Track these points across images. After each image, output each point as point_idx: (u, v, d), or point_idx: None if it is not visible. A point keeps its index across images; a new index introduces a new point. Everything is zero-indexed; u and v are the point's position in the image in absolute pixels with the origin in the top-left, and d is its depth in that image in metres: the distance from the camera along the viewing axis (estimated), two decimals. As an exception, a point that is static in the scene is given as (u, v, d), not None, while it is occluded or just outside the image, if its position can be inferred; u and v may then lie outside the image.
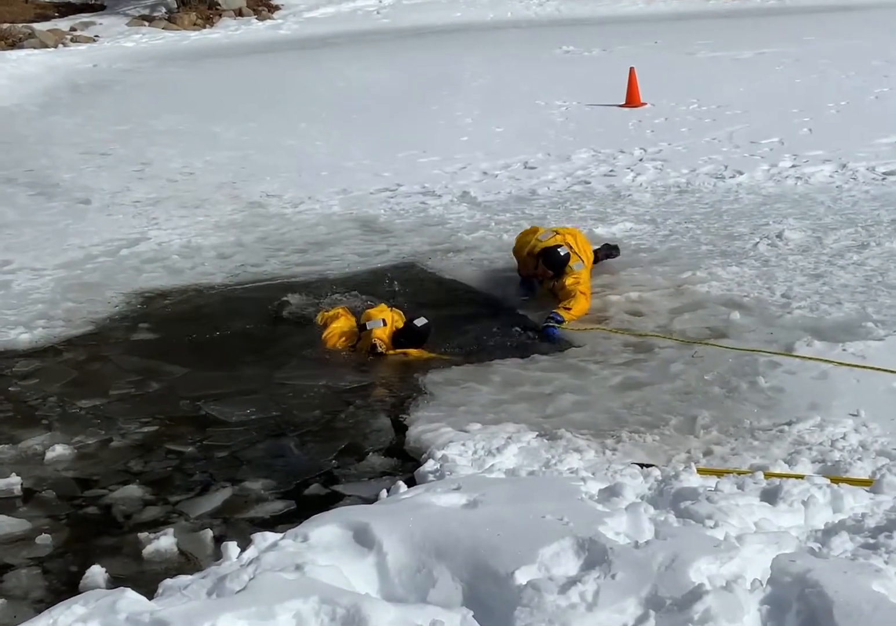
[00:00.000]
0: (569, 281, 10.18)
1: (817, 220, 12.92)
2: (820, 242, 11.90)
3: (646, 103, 22.37)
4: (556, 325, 9.62)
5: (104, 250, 13.36)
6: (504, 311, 10.47)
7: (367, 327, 9.42)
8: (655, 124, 20.40)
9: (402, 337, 9.34)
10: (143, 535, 6.32)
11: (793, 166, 16.15)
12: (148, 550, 6.17)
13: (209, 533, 6.33)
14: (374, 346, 9.23)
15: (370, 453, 7.35)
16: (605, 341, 9.33)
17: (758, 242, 12.00)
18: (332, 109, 24.22)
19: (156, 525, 6.50)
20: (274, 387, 8.77)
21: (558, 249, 10.39)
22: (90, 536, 6.47)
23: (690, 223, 13.32)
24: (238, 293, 11.58)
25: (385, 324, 9.45)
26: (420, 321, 9.37)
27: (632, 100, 22.46)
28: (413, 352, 9.27)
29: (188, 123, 23.28)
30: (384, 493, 6.26)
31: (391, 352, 9.27)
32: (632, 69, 22.50)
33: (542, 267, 10.47)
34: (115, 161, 19.64)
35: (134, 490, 7.01)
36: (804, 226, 12.60)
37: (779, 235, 12.15)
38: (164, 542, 6.22)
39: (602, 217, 13.96)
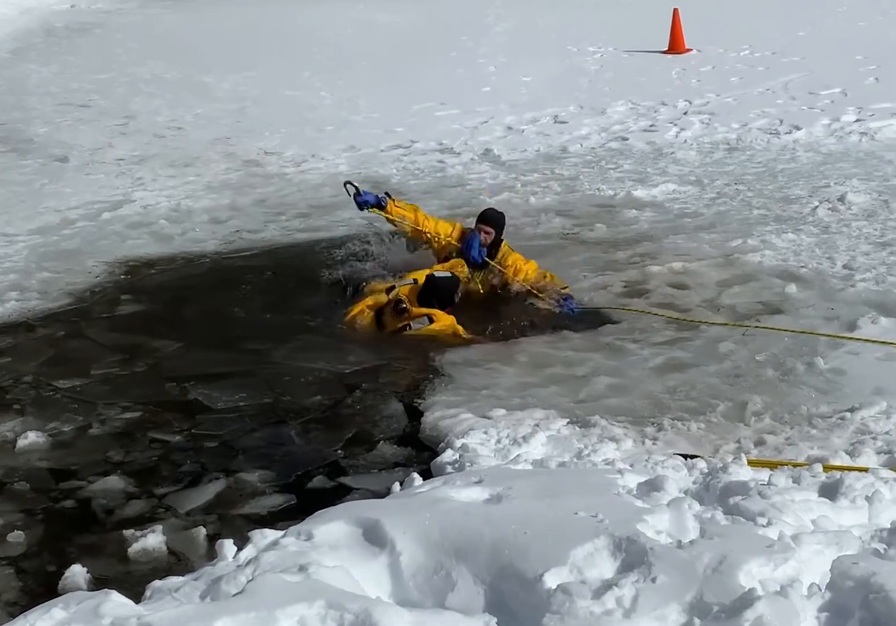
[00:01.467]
0: (517, 262, 10.06)
1: (884, 181, 12.86)
2: (887, 205, 11.85)
3: (691, 49, 22.26)
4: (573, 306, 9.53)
5: (83, 214, 13.40)
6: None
7: (395, 287, 9.44)
8: (702, 73, 20.31)
9: (427, 295, 9.35)
10: (128, 532, 6.34)
11: (857, 121, 16.06)
12: (134, 548, 6.20)
13: (202, 530, 6.35)
14: (399, 302, 9.18)
15: (381, 442, 7.36)
16: (645, 316, 9.31)
17: (817, 206, 11.95)
18: (339, 55, 24.19)
19: (142, 521, 6.52)
20: (273, 368, 8.79)
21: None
22: (69, 533, 6.50)
23: (741, 185, 13.28)
24: (233, 263, 11.60)
25: (416, 283, 9.47)
26: (442, 274, 9.44)
27: (675, 45, 22.35)
28: (439, 317, 9.21)
29: (177, 71, 23.29)
30: (397, 486, 6.27)
31: (415, 310, 9.21)
32: (675, 10, 22.36)
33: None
34: (96, 114, 19.66)
35: (115, 482, 7.02)
36: (869, 188, 12.55)
37: (841, 199, 12.09)
38: (152, 540, 6.24)
39: (641, 178, 13.92)
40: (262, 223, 12.93)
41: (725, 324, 8.95)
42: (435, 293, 9.35)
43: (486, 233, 10.02)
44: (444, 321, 9.23)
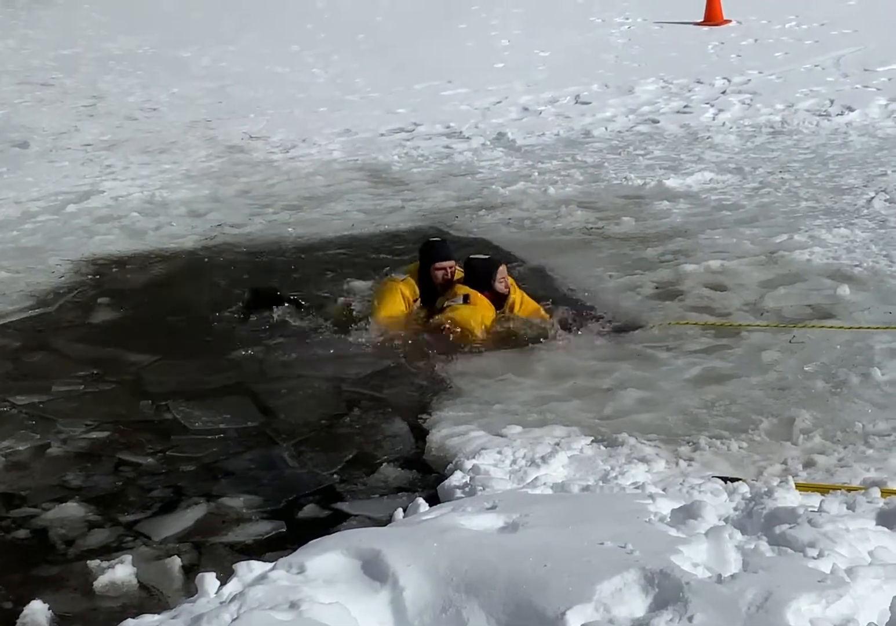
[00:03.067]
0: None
1: (949, 169, 12.87)
2: (952, 196, 11.86)
3: (730, 20, 22.27)
4: None
5: (46, 206, 13.43)
6: (552, 283, 10.45)
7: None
8: (742, 47, 20.32)
9: (466, 278, 9.46)
10: (93, 563, 6.33)
11: (918, 100, 16.07)
12: (101, 581, 6.19)
13: (176, 561, 6.34)
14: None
15: (382, 464, 7.35)
16: (677, 320, 9.31)
17: (872, 198, 11.95)
18: (333, 27, 24.23)
19: (108, 551, 6.51)
20: (261, 382, 8.79)
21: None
22: (25, 565, 6.49)
23: (787, 173, 13.28)
24: (214, 261, 11.61)
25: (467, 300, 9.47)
26: (479, 255, 9.65)
27: (712, 16, 22.36)
28: (477, 300, 9.24)
29: (150, 46, 23.36)
30: (400, 513, 6.26)
31: (457, 288, 9.34)
32: (713, -23, 22.41)
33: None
34: (59, 94, 19.71)
35: (74, 509, 6.99)
36: (932, 177, 12.55)
37: (900, 189, 12.11)
38: (121, 572, 6.23)
39: (674, 165, 13.93)
40: (246, 217, 12.95)
41: (775, 326, 8.95)
42: (471, 275, 9.39)
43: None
44: (481, 305, 9.22)
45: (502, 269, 9.46)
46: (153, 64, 21.72)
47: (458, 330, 9.13)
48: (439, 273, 9.52)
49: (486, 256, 9.68)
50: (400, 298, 9.47)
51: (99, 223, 12.82)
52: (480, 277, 9.39)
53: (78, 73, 21.27)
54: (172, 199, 13.65)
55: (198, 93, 19.32)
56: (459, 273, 9.61)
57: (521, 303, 9.49)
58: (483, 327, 9.21)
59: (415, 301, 9.52)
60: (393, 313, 9.44)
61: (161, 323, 10.07)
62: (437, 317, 9.31)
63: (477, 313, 9.21)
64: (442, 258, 9.55)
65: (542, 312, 9.52)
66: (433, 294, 9.52)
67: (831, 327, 8.79)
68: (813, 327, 8.84)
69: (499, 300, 9.37)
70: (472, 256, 9.62)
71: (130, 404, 8.51)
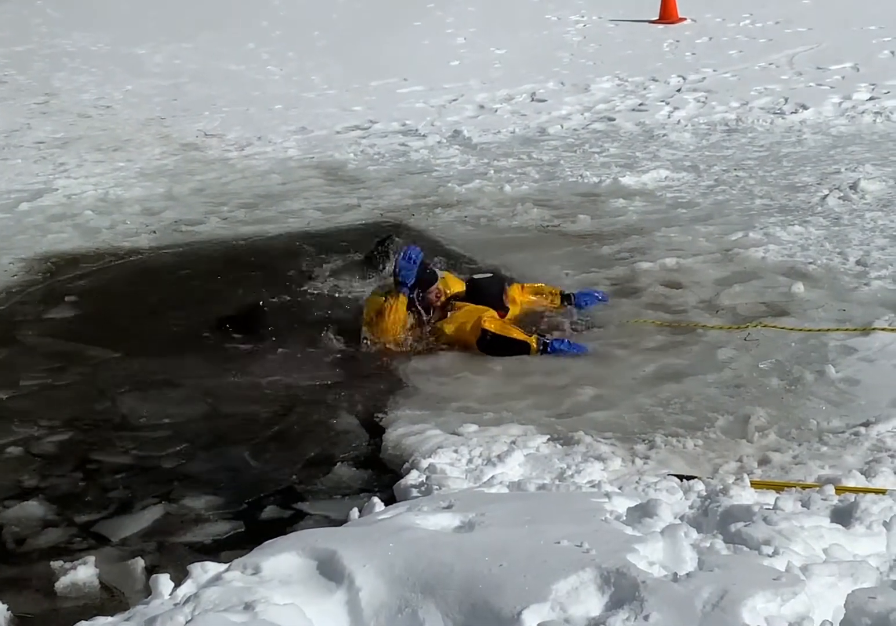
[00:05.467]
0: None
1: (902, 167, 12.93)
2: (905, 194, 11.91)
3: (685, 19, 22.35)
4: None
5: (-2, 205, 13.33)
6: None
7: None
8: (697, 45, 20.38)
9: (472, 301, 9.34)
10: (56, 564, 6.28)
11: (871, 99, 16.16)
12: (62, 583, 6.14)
13: (140, 562, 6.30)
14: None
15: (338, 464, 7.33)
16: (635, 318, 9.32)
17: (826, 195, 11.99)
18: (288, 25, 24.15)
19: (71, 552, 6.46)
20: (218, 382, 8.73)
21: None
22: (-16, 565, 6.46)
23: (741, 171, 13.32)
24: (169, 260, 11.55)
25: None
26: (482, 275, 9.58)
27: (667, 14, 22.43)
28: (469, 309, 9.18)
29: (105, 43, 23.21)
30: (355, 512, 6.24)
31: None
32: (667, -26, 22.48)
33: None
34: (11, 91, 19.56)
35: (33, 508, 6.95)
36: (885, 174, 12.60)
37: (853, 186, 12.14)
38: (83, 573, 6.19)
39: (630, 163, 13.95)
40: (202, 215, 12.89)
41: (726, 328, 8.96)
42: (480, 296, 9.30)
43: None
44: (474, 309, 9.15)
45: (506, 288, 9.48)
46: (107, 61, 21.59)
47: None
48: (433, 295, 9.39)
49: (491, 274, 9.61)
50: (399, 319, 9.31)
51: (52, 222, 12.74)
52: (493, 296, 9.29)
53: (31, 69, 21.13)
54: (126, 197, 13.58)
55: (152, 90, 19.22)
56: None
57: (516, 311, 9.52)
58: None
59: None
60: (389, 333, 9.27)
61: (113, 322, 10.01)
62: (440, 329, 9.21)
63: (473, 314, 9.13)
64: (433, 280, 9.38)
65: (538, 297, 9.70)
66: (427, 311, 9.38)
67: (788, 329, 8.81)
68: (774, 327, 8.86)
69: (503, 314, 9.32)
70: (476, 277, 9.49)
71: (84, 402, 8.45)
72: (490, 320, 8.97)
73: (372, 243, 10.97)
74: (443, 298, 9.34)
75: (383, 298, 9.19)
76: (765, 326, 8.87)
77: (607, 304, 9.59)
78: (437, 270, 9.48)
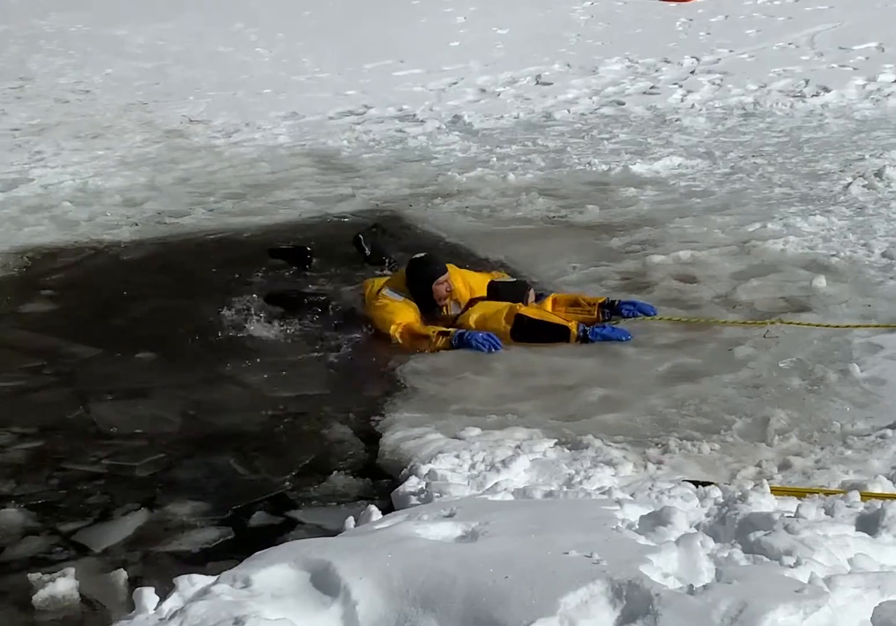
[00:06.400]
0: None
1: (930, 153, 12.93)
2: (933, 182, 11.91)
3: (699, -4, 22.32)
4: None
5: (-29, 196, 13.33)
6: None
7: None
8: (712, 24, 20.37)
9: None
10: (34, 576, 6.27)
11: (897, 81, 16.14)
12: (40, 596, 6.13)
13: (122, 574, 6.29)
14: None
15: (333, 470, 7.29)
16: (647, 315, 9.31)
17: (850, 183, 11.99)
18: (278, 4, 24.12)
19: (49, 563, 6.45)
20: (205, 384, 8.72)
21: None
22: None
23: (759, 157, 13.31)
24: (152, 253, 11.54)
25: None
26: (504, 280, 9.57)
27: (680, -9, 22.41)
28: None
29: (83, 23, 23.20)
30: (350, 522, 6.24)
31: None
32: (680, -50, 22.47)
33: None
34: (-15, 75, 19.53)
35: (13, 516, 6.96)
36: (913, 161, 12.60)
37: (878, 174, 12.14)
38: (63, 585, 6.16)
39: (641, 150, 13.95)
40: (186, 206, 12.88)
41: (744, 323, 8.96)
42: (499, 298, 9.30)
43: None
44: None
45: (531, 292, 9.43)
46: (86, 43, 21.59)
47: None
48: (441, 287, 9.38)
49: (513, 280, 9.60)
50: (414, 314, 9.36)
51: (28, 214, 12.73)
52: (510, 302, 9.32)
53: (5, 52, 21.12)
54: (107, 187, 13.57)
55: (133, 73, 19.21)
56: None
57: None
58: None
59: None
60: (412, 319, 9.28)
61: (93, 321, 9.99)
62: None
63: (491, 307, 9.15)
64: (440, 274, 9.39)
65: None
66: (432, 309, 9.40)
67: (809, 325, 8.80)
68: (794, 323, 8.85)
69: None
70: (497, 280, 9.51)
71: (63, 406, 8.43)
72: (527, 308, 9.08)
73: (359, 232, 10.96)
74: (453, 294, 9.35)
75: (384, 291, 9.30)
76: (785, 322, 8.87)
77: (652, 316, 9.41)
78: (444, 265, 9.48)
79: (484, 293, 9.44)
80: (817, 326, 8.76)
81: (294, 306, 9.77)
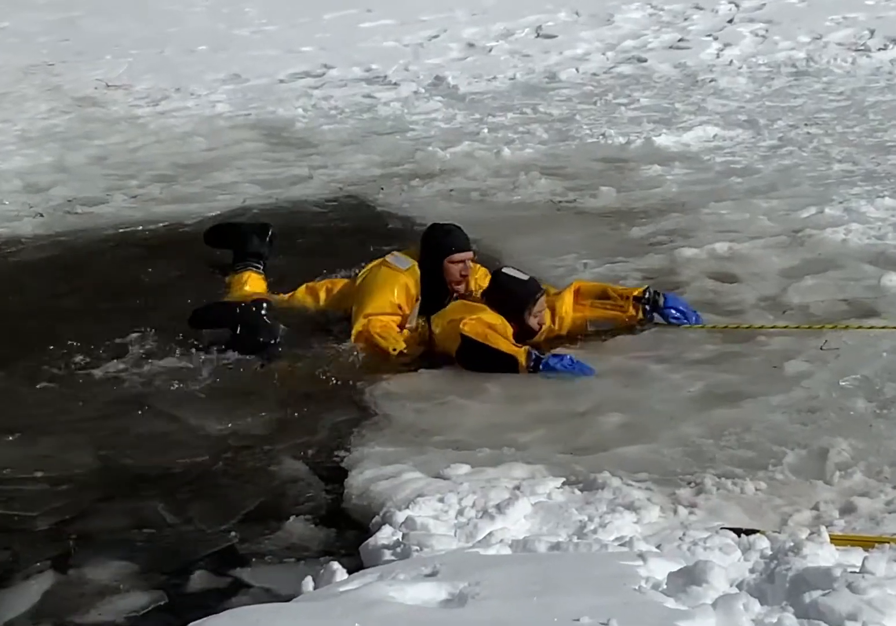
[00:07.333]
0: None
1: None
2: None
3: (738, -74, 22.39)
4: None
5: None
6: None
7: None
8: (754, -38, 20.41)
9: (493, 298, 9.34)
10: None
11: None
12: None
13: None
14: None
15: (290, 518, 7.30)
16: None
17: (927, 158, 12.05)
18: (215, -61, 24.17)
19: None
20: (125, 415, 8.71)
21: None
22: None
23: (814, 126, 13.35)
24: (60, 250, 11.53)
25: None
26: (514, 272, 9.44)
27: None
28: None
29: (-27, -35, 23.19)
30: (308, 583, 6.24)
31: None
32: None
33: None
34: None
35: None
36: None
37: (962, 145, 12.21)
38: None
39: (667, 117, 13.98)
40: (103, 191, 12.90)
41: (801, 327, 9.00)
42: (498, 295, 9.29)
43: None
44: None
45: (541, 300, 9.34)
46: (-23, -10, 21.63)
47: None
48: (456, 267, 9.45)
49: (525, 277, 9.44)
50: (403, 294, 9.39)
51: None
52: (509, 303, 9.25)
53: None
54: (3, 169, 13.58)
55: (36, 27, 19.24)
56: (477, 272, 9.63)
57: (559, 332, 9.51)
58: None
59: (416, 301, 9.44)
60: (385, 310, 9.36)
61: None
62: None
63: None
64: (460, 248, 9.49)
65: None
66: (438, 295, 9.43)
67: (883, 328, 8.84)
68: (859, 328, 8.88)
69: (525, 335, 9.28)
70: (504, 270, 9.45)
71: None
72: (475, 323, 8.98)
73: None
74: (465, 274, 9.45)
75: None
76: (853, 327, 8.88)
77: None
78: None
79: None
80: (893, 329, 8.78)
81: (234, 319, 9.74)
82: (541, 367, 8.78)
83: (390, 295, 9.33)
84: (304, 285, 9.91)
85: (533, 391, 8.55)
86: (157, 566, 6.92)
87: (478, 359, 8.90)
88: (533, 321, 9.28)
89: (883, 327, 8.88)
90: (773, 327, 9.11)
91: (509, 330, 9.08)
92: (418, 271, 9.45)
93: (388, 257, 9.54)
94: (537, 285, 9.37)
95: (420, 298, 9.44)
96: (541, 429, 8.04)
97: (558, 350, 9.06)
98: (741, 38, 16.80)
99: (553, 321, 9.42)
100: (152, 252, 11.37)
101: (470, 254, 9.51)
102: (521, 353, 8.83)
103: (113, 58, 17.52)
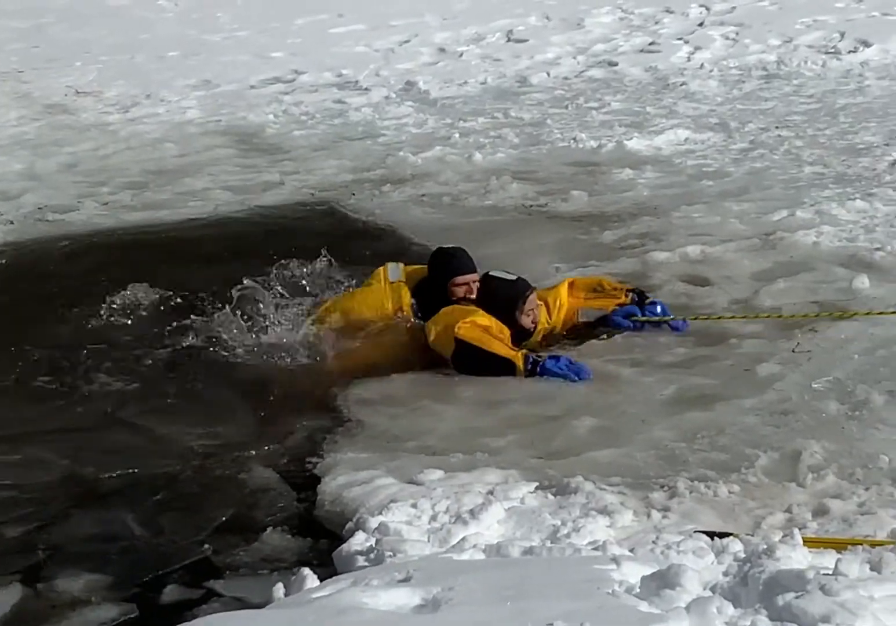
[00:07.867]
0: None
1: None
2: None
3: (708, -70, 22.43)
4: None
5: None
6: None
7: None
8: (724, -35, 20.46)
9: (485, 299, 9.36)
10: None
11: (953, 33, 16.25)
12: None
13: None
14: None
15: (263, 527, 7.26)
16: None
17: (896, 160, 12.07)
18: (184, -54, 24.16)
19: None
20: (95, 426, 8.70)
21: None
22: None
23: (785, 129, 13.37)
24: (31, 259, 11.52)
25: None
26: (501, 274, 9.45)
27: (684, -75, 22.52)
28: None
29: (-59, -28, 23.14)
30: (279, 590, 6.22)
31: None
32: None
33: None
34: None
35: None
36: (973, 131, 12.69)
37: (932, 147, 12.24)
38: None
39: (639, 121, 13.99)
40: (73, 198, 12.88)
41: (786, 317, 9.00)
42: (489, 298, 9.30)
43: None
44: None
45: (532, 298, 9.35)
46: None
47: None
48: (461, 289, 9.46)
49: (513, 278, 9.47)
50: (388, 297, 9.45)
51: None
52: (499, 304, 9.27)
53: None
54: (-27, 176, 13.56)
55: (6, 34, 19.19)
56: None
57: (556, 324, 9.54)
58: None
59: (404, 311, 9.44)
60: (371, 304, 9.44)
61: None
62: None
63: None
64: (465, 271, 9.51)
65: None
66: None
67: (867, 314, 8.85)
68: (855, 314, 8.90)
69: (520, 335, 9.27)
70: (491, 273, 9.47)
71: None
72: (469, 326, 8.98)
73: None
74: (470, 295, 9.42)
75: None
76: (849, 314, 8.90)
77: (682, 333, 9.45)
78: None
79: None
80: (879, 314, 8.79)
81: None
82: (538, 370, 8.79)
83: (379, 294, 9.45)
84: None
85: (506, 396, 8.55)
86: (128, 578, 6.89)
87: (474, 363, 8.90)
88: (526, 320, 9.29)
89: (878, 313, 8.90)
90: (758, 316, 9.14)
91: (506, 332, 9.07)
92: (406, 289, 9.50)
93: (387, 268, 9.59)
94: (526, 284, 9.39)
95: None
96: (514, 434, 8.03)
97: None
98: (712, 42, 16.84)
99: (549, 313, 9.45)
100: (122, 259, 11.33)
101: (475, 276, 9.51)
102: (518, 357, 8.82)
103: (83, 64, 17.51)
